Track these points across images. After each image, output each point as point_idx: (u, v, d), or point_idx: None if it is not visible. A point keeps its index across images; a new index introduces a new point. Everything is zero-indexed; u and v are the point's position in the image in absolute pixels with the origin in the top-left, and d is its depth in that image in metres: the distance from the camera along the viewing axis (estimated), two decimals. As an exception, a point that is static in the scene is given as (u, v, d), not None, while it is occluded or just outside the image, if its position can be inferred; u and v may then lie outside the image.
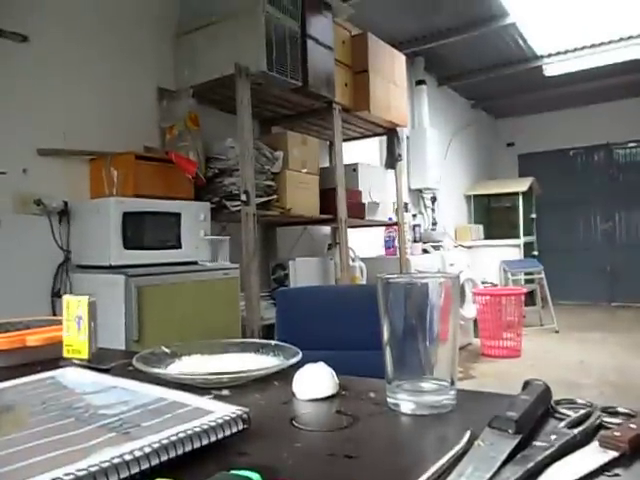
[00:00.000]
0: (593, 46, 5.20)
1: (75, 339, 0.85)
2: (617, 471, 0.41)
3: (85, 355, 0.84)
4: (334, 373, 0.66)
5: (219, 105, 3.07)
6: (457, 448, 0.43)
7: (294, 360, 0.71)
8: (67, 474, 0.37)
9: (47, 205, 2.32)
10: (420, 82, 5.56)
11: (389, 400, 0.58)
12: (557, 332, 5.26)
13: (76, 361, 0.82)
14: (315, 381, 0.64)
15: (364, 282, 3.66)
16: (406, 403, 0.56)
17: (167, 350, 0.79)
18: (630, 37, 4.96)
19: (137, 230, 2.26)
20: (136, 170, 2.37)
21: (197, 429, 0.46)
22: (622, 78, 5.88)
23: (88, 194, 2.51)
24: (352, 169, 3.71)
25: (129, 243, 2.21)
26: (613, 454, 0.43)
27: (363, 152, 4.60)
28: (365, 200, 3.74)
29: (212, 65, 2.75)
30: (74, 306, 0.86)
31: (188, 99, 2.77)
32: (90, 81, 2.57)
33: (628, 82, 6.04)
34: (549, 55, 5.48)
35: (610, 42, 5.08)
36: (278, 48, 2.68)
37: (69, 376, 0.68)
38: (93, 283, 2.22)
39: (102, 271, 2.20)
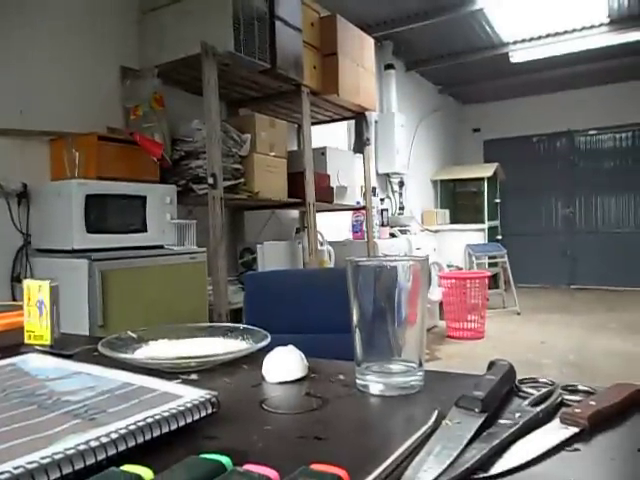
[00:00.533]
0: (557, 34, 5.29)
1: (37, 325, 0.83)
2: (577, 446, 0.43)
3: (47, 341, 0.82)
4: (303, 356, 0.66)
5: (185, 86, 3.00)
6: (425, 428, 0.43)
7: (263, 344, 0.71)
8: (30, 462, 0.36)
9: (4, 187, 2.24)
10: (388, 66, 5.56)
11: (358, 382, 0.59)
12: (519, 314, 5.41)
13: (38, 347, 0.80)
14: (284, 364, 0.64)
15: (332, 266, 3.68)
16: (375, 384, 0.57)
17: (133, 335, 0.78)
18: (592, 26, 5.07)
19: (100, 213, 2.20)
20: (99, 151, 2.31)
21: (165, 414, 0.45)
22: (584, 66, 6.02)
23: (48, 176, 2.43)
24: (320, 153, 3.70)
25: (92, 226, 2.15)
26: (574, 430, 0.44)
27: (331, 136, 4.59)
28: (333, 184, 3.74)
29: (178, 44, 2.68)
30: (35, 291, 0.83)
31: (153, 79, 2.69)
32: (49, 58, 2.47)
33: (590, 71, 6.18)
34: (515, 42, 5.56)
35: (574, 30, 5.18)
36: (246, 28, 2.63)
37: (31, 362, 0.66)
38: (55, 267, 2.16)
39: (64, 255, 2.14)
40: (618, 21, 4.94)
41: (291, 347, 0.66)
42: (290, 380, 0.63)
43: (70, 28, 2.57)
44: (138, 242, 2.33)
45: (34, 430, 0.43)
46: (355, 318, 0.58)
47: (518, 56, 5.71)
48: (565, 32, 5.24)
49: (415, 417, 0.50)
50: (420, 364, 0.58)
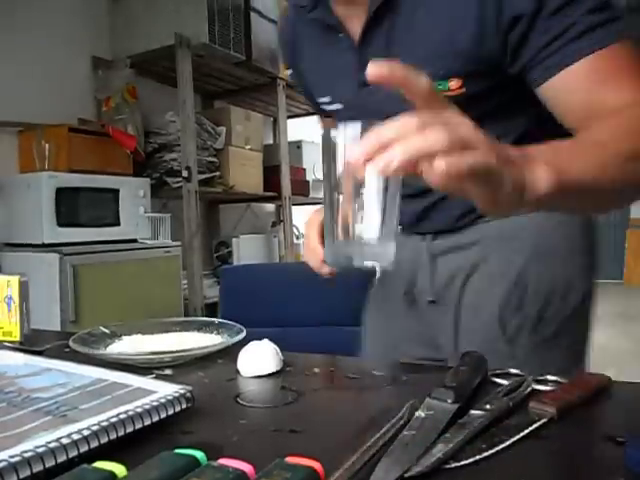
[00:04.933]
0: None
1: (5, 321, 0.81)
2: (546, 435, 0.44)
3: (16, 337, 0.80)
4: (278, 350, 0.66)
5: (159, 77, 2.95)
6: (399, 418, 0.44)
7: (238, 338, 0.71)
8: (-1, 461, 0.35)
9: (-29, 179, 2.18)
10: (364, 60, 5.57)
11: (329, 260, 0.53)
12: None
13: (7, 344, 0.79)
14: (259, 358, 0.64)
15: (308, 260, 3.68)
16: (345, 258, 0.50)
17: (106, 330, 0.77)
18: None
19: (72, 207, 2.16)
20: (70, 143, 2.26)
21: (138, 409, 0.45)
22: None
23: (16, 168, 2.37)
24: (296, 146, 3.69)
25: (63, 220, 2.11)
26: (543, 419, 0.46)
27: (307, 129, 4.58)
28: (309, 177, 3.73)
29: (151, 34, 2.63)
30: (4, 286, 0.81)
31: (126, 70, 2.64)
32: (17, 47, 2.40)
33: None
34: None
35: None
36: (221, 19, 2.60)
37: (-1, 359, 0.65)
38: (25, 262, 2.11)
39: (34, 249, 2.10)
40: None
41: (266, 341, 0.66)
42: (265, 374, 0.63)
43: (40, 16, 2.50)
44: (111, 236, 2.29)
45: (3, 428, 0.42)
46: (327, 195, 0.50)
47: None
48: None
49: (389, 409, 0.51)
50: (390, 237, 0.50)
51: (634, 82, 0.58)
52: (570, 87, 0.61)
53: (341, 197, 0.48)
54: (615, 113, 0.56)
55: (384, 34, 0.71)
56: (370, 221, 0.47)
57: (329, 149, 0.47)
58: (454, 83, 0.68)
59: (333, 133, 0.47)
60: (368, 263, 0.50)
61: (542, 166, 0.44)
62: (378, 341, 0.95)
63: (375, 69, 0.40)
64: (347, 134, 0.46)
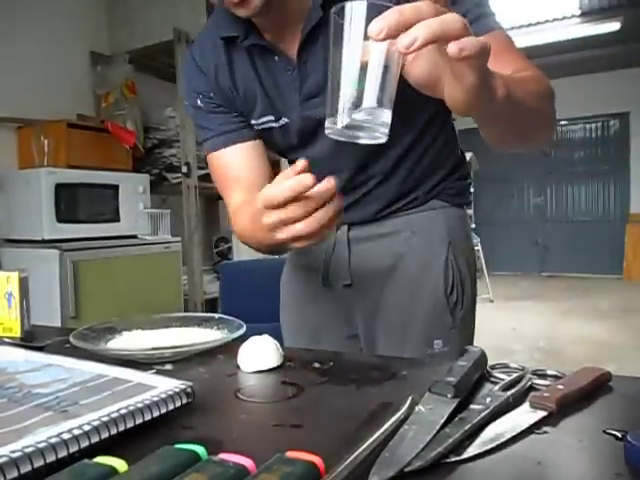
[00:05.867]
0: (530, 25, 5.34)
1: (6, 317, 0.81)
2: (546, 429, 0.44)
3: (17, 333, 0.80)
4: (279, 345, 0.66)
5: (158, 72, 2.95)
6: (399, 414, 0.44)
7: (238, 333, 0.71)
8: (0, 456, 0.35)
9: (-30, 175, 2.17)
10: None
11: (331, 131, 0.51)
12: (492, 301, 5.51)
13: (7, 340, 0.79)
14: (260, 353, 0.64)
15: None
16: (343, 117, 0.49)
17: (106, 326, 0.77)
18: (564, 17, 5.14)
19: (71, 203, 2.16)
20: (69, 139, 2.26)
21: (139, 404, 0.45)
22: (555, 58, 6.10)
23: (16, 164, 2.37)
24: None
25: (63, 216, 2.11)
26: (542, 413, 0.46)
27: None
28: (309, 173, 3.73)
29: (149, 30, 2.62)
30: (4, 282, 0.81)
31: (124, 65, 2.64)
32: (15, 43, 2.40)
33: (561, 62, 6.28)
34: (488, 32, 5.58)
35: (545, 22, 5.24)
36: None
37: (0, 355, 0.65)
38: (25, 258, 2.11)
39: (34, 245, 2.10)
40: (589, 13, 5.01)
41: (266, 336, 0.66)
42: (265, 369, 0.63)
43: (39, 12, 2.49)
44: (111, 232, 2.29)
45: (4, 423, 0.42)
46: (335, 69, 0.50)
47: (491, 46, 5.74)
48: (537, 23, 5.29)
49: (389, 403, 0.51)
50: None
51: (523, 58, 0.72)
52: None
53: (344, 73, 0.49)
54: (517, 71, 0.67)
55: (320, 50, 0.76)
56: (370, 93, 0.49)
57: (337, 25, 0.48)
58: None
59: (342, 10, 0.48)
60: (364, 136, 0.51)
61: (499, 78, 0.52)
62: (299, 327, 1.01)
63: (377, 28, 0.43)
64: (355, 13, 0.47)
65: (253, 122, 0.87)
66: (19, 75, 2.40)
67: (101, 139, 2.39)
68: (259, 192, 0.78)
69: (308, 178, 0.53)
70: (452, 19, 0.44)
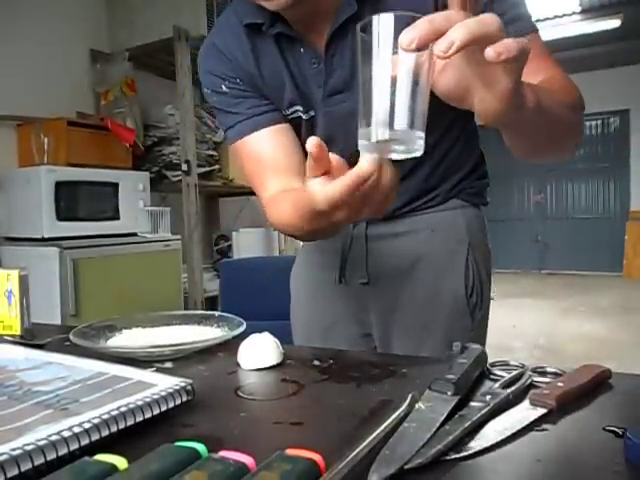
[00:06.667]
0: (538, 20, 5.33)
1: (6, 315, 0.81)
2: (546, 426, 0.44)
3: (17, 331, 0.80)
4: (279, 342, 0.66)
5: (157, 70, 2.95)
6: (399, 411, 0.44)
7: (238, 331, 0.71)
8: (1, 454, 0.35)
9: (-30, 174, 2.17)
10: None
11: (365, 149, 0.51)
12: (492, 299, 5.51)
13: (7, 337, 0.79)
14: (260, 351, 0.64)
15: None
16: (380, 147, 0.49)
17: (106, 324, 0.77)
18: (564, 15, 5.13)
19: (71, 201, 2.16)
20: (68, 137, 2.25)
21: (139, 402, 0.45)
22: (555, 55, 6.08)
23: (16, 162, 2.37)
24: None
25: (63, 214, 2.11)
26: (542, 411, 0.46)
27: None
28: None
29: (149, 27, 2.62)
30: (4, 280, 0.81)
31: (124, 63, 2.64)
32: (15, 40, 2.39)
33: (561, 59, 6.21)
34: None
35: (546, 19, 5.23)
36: (219, 11, 2.59)
37: (0, 353, 0.65)
38: (25, 256, 2.11)
39: (34, 243, 2.10)
40: (589, 10, 5.00)
41: (266, 334, 0.66)
42: (265, 367, 0.63)
43: (38, 10, 2.48)
44: (111, 230, 2.29)
45: (4, 421, 0.42)
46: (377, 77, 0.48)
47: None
48: (537, 20, 5.27)
49: (389, 401, 0.51)
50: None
51: (554, 63, 0.73)
52: None
53: (375, 88, 0.48)
54: (545, 81, 0.68)
55: (349, 46, 0.74)
56: (402, 109, 0.48)
57: (365, 42, 0.47)
58: None
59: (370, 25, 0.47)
60: (399, 150, 0.50)
61: (529, 86, 0.52)
62: (311, 325, 0.99)
63: (408, 38, 0.42)
64: (382, 26, 0.46)
65: (284, 112, 0.84)
66: (19, 73, 2.40)
67: (101, 137, 2.39)
68: (296, 178, 0.76)
69: (365, 169, 0.51)
70: (489, 20, 0.42)
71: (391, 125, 0.48)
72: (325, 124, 0.82)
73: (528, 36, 0.69)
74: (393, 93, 0.47)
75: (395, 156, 0.50)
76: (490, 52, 0.42)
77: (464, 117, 0.86)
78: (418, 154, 0.50)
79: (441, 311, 0.86)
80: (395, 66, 0.46)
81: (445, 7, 0.69)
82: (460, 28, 0.42)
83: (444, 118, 0.83)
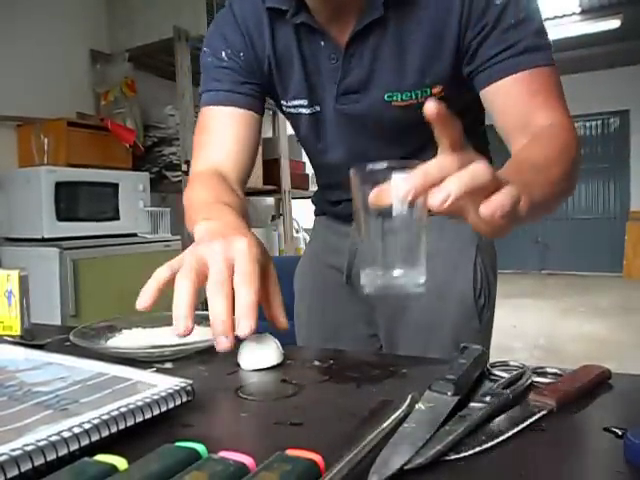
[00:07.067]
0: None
1: (5, 315, 0.81)
2: (546, 427, 0.44)
3: (17, 331, 0.80)
4: (279, 343, 0.66)
5: (157, 70, 2.95)
6: (399, 411, 0.44)
7: (238, 331, 0.71)
8: (0, 454, 0.35)
9: (-30, 174, 2.17)
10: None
11: (367, 289, 0.53)
12: (492, 299, 5.51)
13: (7, 338, 0.79)
14: (260, 351, 0.64)
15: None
16: (382, 286, 0.52)
17: (106, 324, 0.77)
18: (564, 15, 5.13)
19: (71, 201, 2.16)
20: (68, 138, 2.26)
21: (139, 403, 0.45)
22: (555, 55, 6.08)
23: (16, 163, 2.37)
24: (296, 139, 3.68)
25: (63, 215, 2.11)
26: (542, 411, 0.46)
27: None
28: (309, 171, 3.73)
29: (149, 28, 2.62)
30: (4, 280, 0.81)
31: (124, 63, 2.64)
32: (15, 41, 2.39)
33: (561, 59, 6.20)
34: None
35: (545, 19, 5.23)
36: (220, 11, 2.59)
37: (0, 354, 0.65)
38: (25, 256, 2.11)
39: (34, 244, 2.10)
40: (589, 10, 5.01)
41: (266, 334, 0.66)
42: (266, 367, 0.63)
43: (38, 10, 2.48)
44: (111, 230, 2.29)
45: (4, 422, 0.42)
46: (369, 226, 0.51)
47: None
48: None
49: (389, 401, 0.51)
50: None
51: (559, 102, 0.71)
52: (508, 92, 0.71)
53: (372, 229, 0.50)
54: (544, 131, 0.67)
55: (370, 47, 0.74)
56: (402, 255, 0.50)
57: (363, 191, 0.48)
58: (437, 90, 0.75)
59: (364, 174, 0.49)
60: (400, 283, 0.51)
61: (522, 190, 0.49)
62: (317, 325, 0.99)
63: (434, 108, 0.42)
64: (376, 177, 0.47)
65: (284, 103, 0.84)
66: (19, 73, 2.40)
67: (101, 137, 2.39)
68: (230, 167, 0.78)
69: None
70: (481, 172, 0.42)
71: (392, 268, 0.50)
72: (335, 121, 0.81)
73: (539, 69, 0.69)
74: (393, 240, 0.50)
75: (398, 292, 0.52)
76: (485, 212, 0.42)
77: (473, 123, 0.86)
78: (420, 290, 0.52)
79: (448, 312, 0.86)
80: (389, 217, 0.47)
81: (469, 17, 0.69)
82: (454, 181, 0.41)
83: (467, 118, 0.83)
